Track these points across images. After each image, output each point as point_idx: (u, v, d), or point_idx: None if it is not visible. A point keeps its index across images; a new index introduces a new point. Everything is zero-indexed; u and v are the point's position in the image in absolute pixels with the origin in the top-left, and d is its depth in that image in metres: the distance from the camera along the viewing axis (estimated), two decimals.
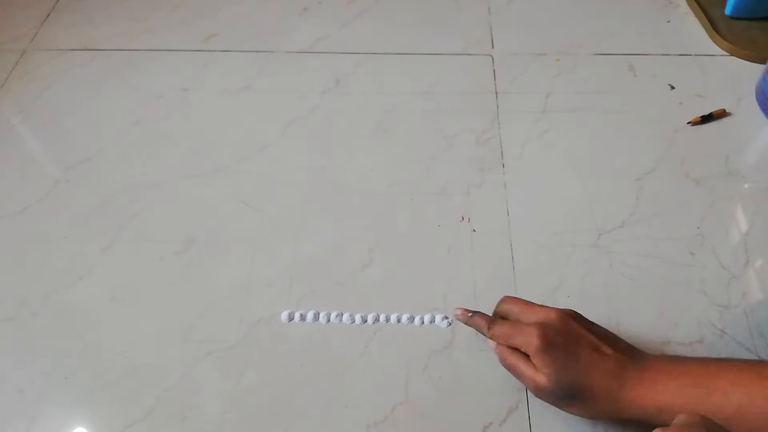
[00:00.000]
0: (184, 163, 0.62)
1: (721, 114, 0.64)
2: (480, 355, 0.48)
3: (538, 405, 0.45)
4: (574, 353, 0.40)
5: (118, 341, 0.50)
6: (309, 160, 0.62)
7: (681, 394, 0.37)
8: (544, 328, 0.40)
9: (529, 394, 0.46)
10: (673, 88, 0.68)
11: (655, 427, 0.31)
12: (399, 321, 0.50)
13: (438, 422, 0.45)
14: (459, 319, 0.47)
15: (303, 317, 0.51)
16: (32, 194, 0.60)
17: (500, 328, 0.43)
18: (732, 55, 0.71)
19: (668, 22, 0.76)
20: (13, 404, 0.46)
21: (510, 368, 0.43)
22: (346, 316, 0.50)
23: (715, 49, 0.72)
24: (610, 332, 0.43)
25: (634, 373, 0.39)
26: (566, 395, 0.40)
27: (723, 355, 0.47)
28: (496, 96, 0.68)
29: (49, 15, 0.79)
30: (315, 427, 0.45)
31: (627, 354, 0.41)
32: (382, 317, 0.50)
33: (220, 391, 0.47)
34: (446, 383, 0.47)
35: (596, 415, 0.41)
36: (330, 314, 0.51)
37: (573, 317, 0.42)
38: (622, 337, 0.44)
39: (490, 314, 0.47)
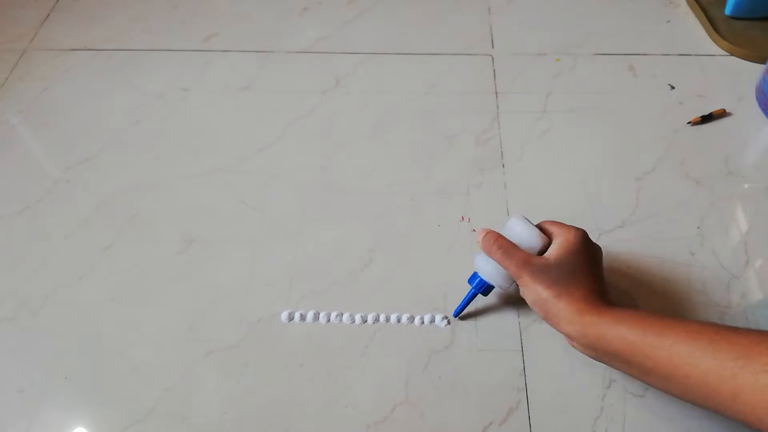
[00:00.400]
0: (184, 163, 0.62)
1: (721, 114, 0.64)
2: (480, 355, 0.48)
3: (538, 405, 0.45)
4: (590, 264, 0.44)
5: (118, 341, 0.50)
6: (309, 160, 0.62)
7: (634, 330, 0.39)
8: (585, 233, 0.45)
9: (530, 393, 0.46)
10: (673, 88, 0.68)
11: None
12: (399, 321, 0.50)
13: (438, 422, 0.45)
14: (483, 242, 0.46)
15: (303, 317, 0.51)
16: (32, 194, 0.60)
17: (549, 221, 0.46)
18: (732, 55, 0.71)
19: (668, 22, 0.76)
20: (13, 404, 0.46)
21: (501, 246, 0.44)
22: (346, 316, 0.50)
23: (715, 49, 0.72)
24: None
25: (605, 305, 0.42)
26: (553, 275, 0.42)
27: None
28: (496, 96, 0.68)
29: (49, 15, 0.79)
30: (315, 427, 0.45)
31: (608, 298, 0.44)
32: (382, 317, 0.50)
33: (220, 391, 0.47)
34: (446, 383, 0.47)
35: (554, 307, 0.42)
36: (330, 314, 0.51)
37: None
38: None
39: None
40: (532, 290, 0.43)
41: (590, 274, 0.43)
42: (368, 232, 0.56)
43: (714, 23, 0.74)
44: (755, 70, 0.69)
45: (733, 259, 0.53)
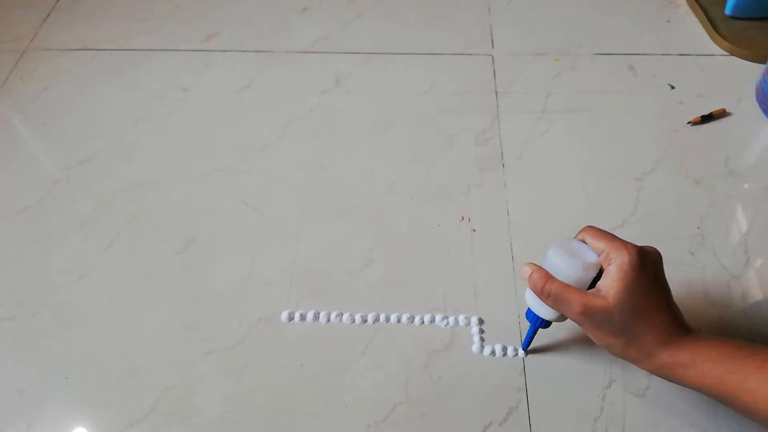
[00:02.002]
0: (184, 163, 0.62)
1: (721, 114, 0.64)
2: (480, 354, 0.48)
3: (538, 405, 0.45)
4: (655, 290, 0.39)
5: (118, 341, 0.50)
6: (309, 160, 0.62)
7: (713, 370, 0.37)
8: (641, 250, 0.39)
9: (530, 393, 0.46)
10: (673, 87, 0.68)
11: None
12: (399, 321, 0.50)
13: (438, 422, 0.45)
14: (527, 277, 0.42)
15: (303, 317, 0.51)
16: (32, 194, 0.60)
17: (597, 234, 0.40)
18: (732, 54, 0.71)
19: (668, 21, 0.76)
20: (13, 404, 0.46)
21: (552, 292, 0.39)
22: (346, 316, 0.50)
23: (715, 48, 0.72)
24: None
25: (681, 339, 0.39)
26: (617, 323, 0.38)
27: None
28: (496, 96, 0.68)
29: (49, 15, 0.79)
30: (315, 427, 0.45)
31: (682, 322, 0.40)
32: (382, 317, 0.50)
33: (220, 391, 0.47)
34: (446, 383, 0.47)
35: (624, 354, 0.40)
36: (330, 314, 0.51)
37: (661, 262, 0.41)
38: None
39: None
40: (598, 337, 0.40)
41: (659, 308, 0.39)
42: (368, 232, 0.56)
43: (714, 23, 0.74)
44: (755, 70, 0.69)
45: (733, 259, 0.53)
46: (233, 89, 0.69)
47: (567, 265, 0.39)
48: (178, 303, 0.52)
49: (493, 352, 0.48)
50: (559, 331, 0.49)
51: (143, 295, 0.52)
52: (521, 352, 0.48)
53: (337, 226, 0.56)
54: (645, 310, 0.38)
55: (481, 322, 0.50)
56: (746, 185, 0.58)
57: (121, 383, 0.47)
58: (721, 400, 0.38)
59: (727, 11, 0.73)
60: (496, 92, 0.68)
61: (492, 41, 0.74)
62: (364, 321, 0.50)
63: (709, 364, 0.37)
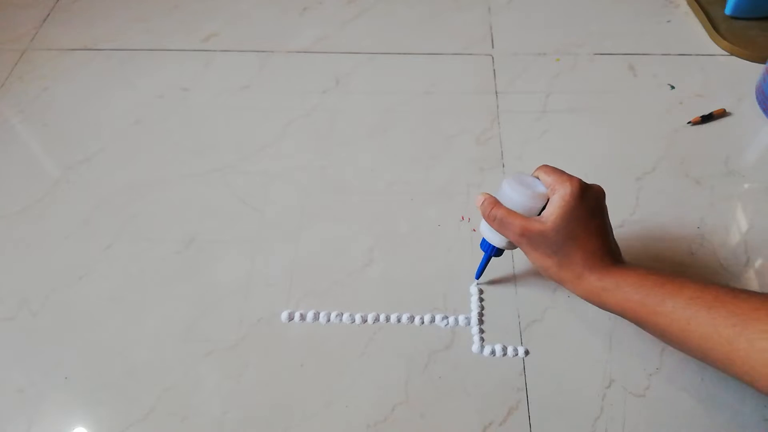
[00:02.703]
0: (184, 163, 0.62)
1: (722, 114, 0.64)
2: (480, 354, 0.48)
3: (538, 405, 0.45)
4: (591, 219, 0.42)
5: (118, 341, 0.50)
6: (309, 160, 0.62)
7: (635, 294, 0.40)
8: (584, 184, 0.42)
9: (530, 393, 0.46)
10: (673, 87, 0.68)
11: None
12: (399, 321, 0.50)
13: (438, 422, 0.45)
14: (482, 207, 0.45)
15: (303, 317, 0.51)
16: (32, 194, 0.60)
17: (548, 170, 0.43)
18: (732, 54, 0.71)
19: (668, 21, 0.76)
20: (13, 404, 0.46)
21: (497, 216, 0.43)
22: (346, 316, 0.50)
23: (716, 48, 0.72)
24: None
25: (610, 266, 0.42)
26: (552, 244, 0.41)
27: None
28: (496, 96, 0.68)
29: (49, 15, 0.79)
30: (315, 427, 0.45)
31: (615, 254, 0.43)
32: (382, 317, 0.50)
33: (220, 391, 0.47)
34: (446, 383, 0.47)
35: (559, 276, 0.43)
36: (330, 314, 0.51)
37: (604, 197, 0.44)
38: (621, 337, 0.45)
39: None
40: (534, 258, 0.43)
41: (592, 234, 0.42)
42: (368, 231, 0.56)
43: (714, 23, 0.74)
44: (755, 69, 0.69)
45: (733, 259, 0.53)
46: (233, 89, 0.69)
47: (516, 194, 0.43)
48: (178, 303, 0.52)
49: (493, 352, 0.48)
50: (559, 331, 0.49)
51: (143, 295, 0.52)
52: (522, 352, 0.48)
53: (337, 226, 0.56)
54: (579, 235, 0.41)
55: (481, 322, 0.50)
56: (746, 185, 0.58)
57: (121, 383, 0.47)
58: (641, 324, 0.41)
59: (727, 11, 0.73)
60: (496, 92, 0.68)
61: (492, 41, 0.74)
62: (364, 321, 0.50)
63: (631, 288, 0.40)
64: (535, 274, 0.53)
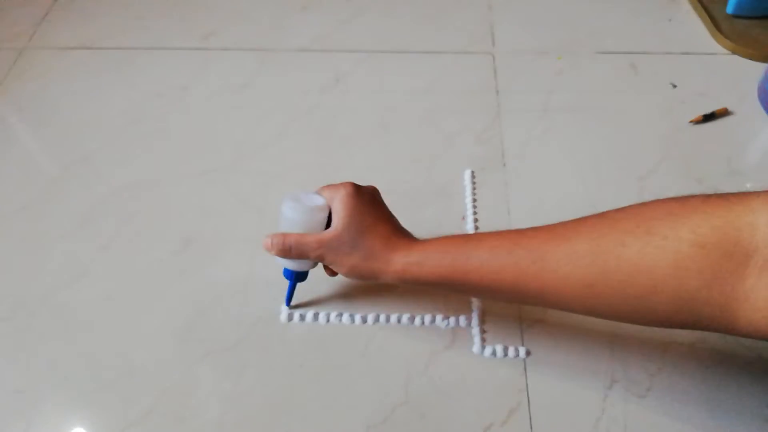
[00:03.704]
0: (182, 162, 0.62)
1: (724, 113, 0.64)
2: (481, 355, 0.48)
3: (539, 405, 0.45)
4: (374, 208, 0.44)
5: (117, 341, 0.49)
6: (308, 159, 0.62)
7: (443, 259, 0.41)
8: (356, 184, 0.45)
9: (531, 394, 0.45)
10: (675, 86, 0.68)
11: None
12: (399, 321, 0.50)
13: (438, 423, 0.45)
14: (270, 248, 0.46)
15: (303, 317, 0.50)
16: (30, 193, 0.60)
17: (322, 188, 0.45)
18: (734, 53, 0.71)
19: (670, 20, 0.76)
20: (12, 404, 0.46)
21: (292, 245, 0.44)
22: (346, 316, 0.50)
23: (717, 47, 0.72)
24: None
25: (411, 243, 0.44)
26: (349, 242, 0.43)
27: (725, 357, 0.47)
28: (497, 94, 0.67)
29: (47, 13, 0.79)
30: (315, 427, 0.45)
31: (408, 234, 0.45)
32: (382, 317, 0.50)
33: (219, 391, 0.46)
34: (446, 383, 0.46)
35: (370, 271, 0.43)
36: (330, 314, 0.50)
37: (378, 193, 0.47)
38: (623, 338, 0.44)
39: None
40: (341, 264, 0.44)
41: (380, 220, 0.44)
42: None
43: (716, 22, 0.73)
44: (757, 68, 0.68)
45: None
46: (232, 88, 0.69)
47: (298, 212, 0.44)
48: (177, 303, 0.51)
49: (494, 353, 0.48)
50: (560, 331, 0.49)
51: (141, 295, 0.52)
52: (523, 353, 0.48)
53: None
54: (369, 224, 0.43)
55: (482, 322, 0.50)
56: (748, 184, 0.58)
57: (119, 383, 0.47)
58: (459, 288, 0.42)
59: (729, 10, 0.73)
60: (497, 91, 0.68)
61: (493, 39, 0.74)
62: (364, 321, 0.50)
63: (439, 254, 0.42)
64: None
